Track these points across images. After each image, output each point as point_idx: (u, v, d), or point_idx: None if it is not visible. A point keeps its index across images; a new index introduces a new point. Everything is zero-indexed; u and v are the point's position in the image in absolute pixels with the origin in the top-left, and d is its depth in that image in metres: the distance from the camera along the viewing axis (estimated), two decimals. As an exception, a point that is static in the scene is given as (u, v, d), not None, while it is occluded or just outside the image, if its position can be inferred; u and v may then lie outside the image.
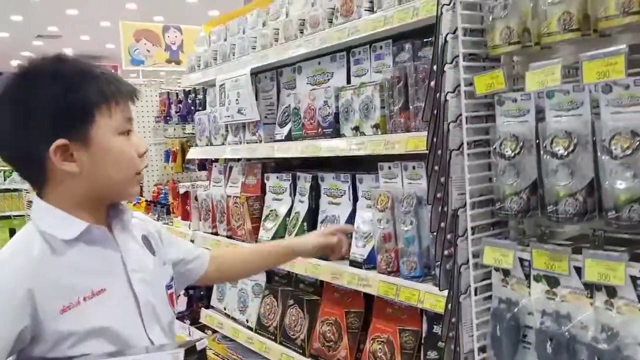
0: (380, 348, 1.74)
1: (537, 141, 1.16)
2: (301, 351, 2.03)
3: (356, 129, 1.73)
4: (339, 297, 1.96)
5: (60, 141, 1.04)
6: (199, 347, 1.04)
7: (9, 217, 8.53)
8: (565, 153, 1.08)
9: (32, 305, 1.00)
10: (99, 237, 1.10)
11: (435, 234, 1.27)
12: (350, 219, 1.89)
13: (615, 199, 1.00)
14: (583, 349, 1.04)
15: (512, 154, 1.17)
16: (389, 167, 1.68)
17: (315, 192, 2.05)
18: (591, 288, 1.05)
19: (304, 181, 2.08)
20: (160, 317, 1.19)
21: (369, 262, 1.73)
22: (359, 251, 1.78)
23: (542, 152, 1.13)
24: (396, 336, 1.69)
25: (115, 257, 1.13)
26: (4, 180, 8.74)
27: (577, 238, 1.19)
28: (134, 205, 3.51)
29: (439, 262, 1.27)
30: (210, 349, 2.58)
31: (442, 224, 1.25)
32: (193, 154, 2.73)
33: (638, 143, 0.99)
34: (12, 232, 8.50)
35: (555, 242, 1.14)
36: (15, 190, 8.24)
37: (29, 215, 6.11)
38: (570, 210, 1.07)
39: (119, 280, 1.13)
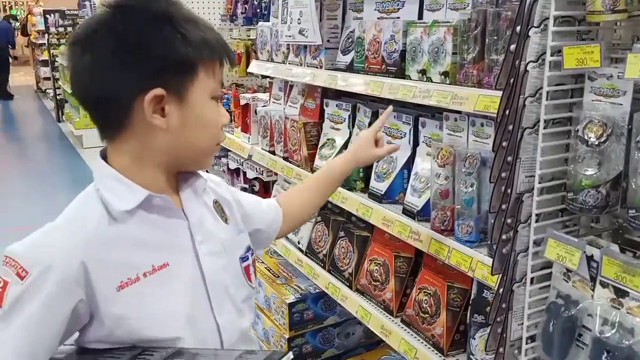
0: (426, 300, 1.71)
1: (630, 128, 1.00)
2: (348, 284, 2.03)
3: (423, 72, 1.56)
4: (389, 238, 1.91)
5: (158, 90, 0.95)
6: None
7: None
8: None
9: (87, 279, 0.94)
10: (161, 206, 1.02)
11: (495, 215, 1.16)
12: (408, 163, 1.79)
13: None
14: (642, 368, 0.95)
15: (597, 141, 1.02)
16: (455, 119, 1.53)
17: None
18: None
19: (364, 115, 1.96)
20: (233, 294, 1.11)
21: (423, 214, 1.65)
22: (413, 200, 1.70)
23: (632, 145, 0.97)
24: (444, 292, 1.65)
25: (181, 226, 1.05)
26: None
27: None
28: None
29: (495, 245, 1.17)
30: (262, 262, 2.66)
31: (504, 206, 1.13)
32: (253, 67, 2.62)
33: None
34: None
35: (631, 249, 1.01)
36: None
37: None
38: (657, 218, 0.94)
39: (185, 254, 1.04)
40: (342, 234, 2.14)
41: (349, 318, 2.39)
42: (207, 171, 1.24)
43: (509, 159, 1.10)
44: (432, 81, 1.54)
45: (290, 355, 0.95)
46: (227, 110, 3.13)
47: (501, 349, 1.18)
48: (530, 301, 1.15)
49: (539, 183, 1.10)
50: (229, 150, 3.03)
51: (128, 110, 0.96)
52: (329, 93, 2.24)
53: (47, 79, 11.73)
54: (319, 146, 2.20)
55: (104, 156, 1.03)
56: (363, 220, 2.10)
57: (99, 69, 0.95)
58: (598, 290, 1.04)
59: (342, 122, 2.11)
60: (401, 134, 1.82)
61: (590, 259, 1.05)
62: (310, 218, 1.95)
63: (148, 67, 0.94)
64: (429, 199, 1.61)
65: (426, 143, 1.72)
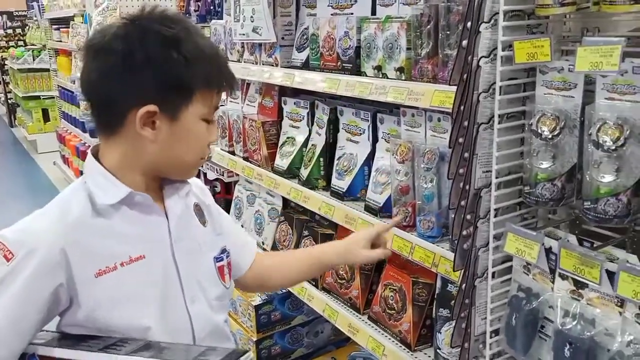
0: (392, 296, 1.71)
1: (582, 120, 1.01)
2: (314, 283, 2.02)
3: (378, 68, 1.55)
4: (354, 236, 1.90)
5: (151, 107, 1.02)
6: None
7: (39, 97, 8.59)
8: (613, 146, 0.92)
9: (67, 264, 1.00)
10: (142, 203, 1.08)
11: (455, 211, 1.15)
12: (369, 160, 1.78)
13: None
14: (605, 358, 0.97)
15: (550, 134, 1.02)
16: (412, 115, 1.52)
17: (333, 125, 1.92)
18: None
19: (322, 113, 1.94)
20: (206, 289, 1.17)
21: (385, 211, 1.64)
22: (375, 197, 1.69)
23: (585, 138, 0.98)
24: (409, 287, 1.65)
25: (160, 224, 1.11)
26: (33, 60, 8.69)
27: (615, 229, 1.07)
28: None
29: (456, 241, 1.17)
30: (228, 265, 2.61)
31: (463, 202, 1.13)
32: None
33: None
34: (45, 113, 8.61)
35: (588, 239, 1.02)
36: (45, 70, 8.18)
37: (58, 97, 6.10)
38: (610, 211, 0.94)
39: (161, 249, 1.11)
40: (306, 232, 2.12)
41: (317, 316, 2.38)
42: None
43: (466, 155, 1.10)
44: (387, 77, 1.52)
45: (250, 354, 0.99)
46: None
47: (466, 344, 1.19)
48: (492, 295, 1.16)
49: (496, 178, 1.10)
50: (188, 152, 2.96)
51: (123, 118, 1.03)
52: (287, 91, 2.21)
53: (-2, 83, 11.32)
54: (279, 145, 2.18)
55: (95, 152, 1.11)
56: (326, 218, 2.08)
57: (104, 76, 1.03)
58: (558, 282, 1.05)
59: (301, 120, 2.08)
60: (360, 130, 1.80)
61: (548, 251, 1.06)
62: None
63: (148, 85, 1.01)
64: (390, 195, 1.61)
65: (385, 139, 1.71)
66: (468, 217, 1.13)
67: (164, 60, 1.01)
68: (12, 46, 9.73)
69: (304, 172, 1.99)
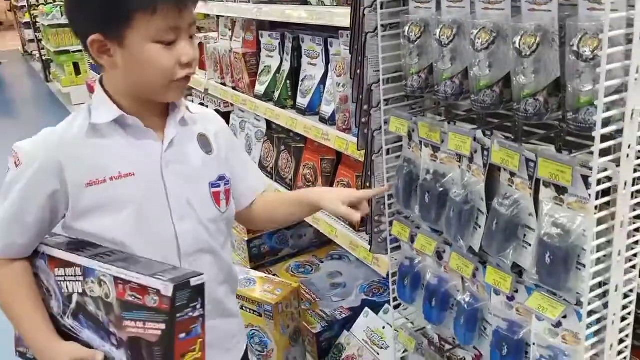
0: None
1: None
2: (289, 188, 2.41)
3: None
4: (317, 146, 2.27)
5: (95, 36, 1.09)
6: (193, 282, 1.04)
7: (69, 51, 9.05)
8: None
9: (61, 172, 1.15)
10: (135, 126, 1.18)
11: (355, 104, 1.51)
12: (324, 79, 2.12)
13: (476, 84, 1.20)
14: (449, 200, 1.32)
15: (416, 38, 1.35)
16: (347, 36, 1.86)
17: (297, 52, 2.26)
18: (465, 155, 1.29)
19: (288, 42, 2.29)
20: (198, 210, 1.24)
21: (332, 119, 2.00)
22: (325, 109, 2.05)
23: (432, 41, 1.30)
24: (354, 181, 2.02)
25: (154, 147, 1.20)
26: (62, 15, 9.11)
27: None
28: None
29: (358, 127, 1.53)
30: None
31: (360, 96, 1.48)
32: (199, 8, 2.92)
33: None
34: (76, 66, 9.09)
35: (434, 115, 1.36)
36: (73, 26, 8.58)
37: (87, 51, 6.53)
38: (449, 91, 1.28)
39: (152, 169, 1.19)
40: (282, 147, 2.50)
41: (300, 222, 2.78)
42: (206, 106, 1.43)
43: (360, 58, 1.44)
44: (324, 5, 1.85)
45: (204, 277, 1.06)
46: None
47: (372, 205, 1.56)
48: (387, 167, 1.51)
49: (384, 75, 1.43)
50: (192, 88, 3.35)
51: (86, 47, 1.13)
52: (264, 25, 2.55)
53: (32, 41, 11.85)
54: (258, 73, 2.54)
55: (101, 80, 1.21)
56: (299, 134, 2.46)
57: (67, 10, 1.17)
58: (423, 150, 1.40)
59: (274, 50, 2.43)
60: (316, 54, 2.14)
61: (412, 131, 1.40)
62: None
63: (89, 14, 1.10)
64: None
65: (334, 60, 2.05)
66: (365, 107, 1.48)
67: None
68: (42, 4, 10.15)
69: (276, 95, 2.35)
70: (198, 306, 1.06)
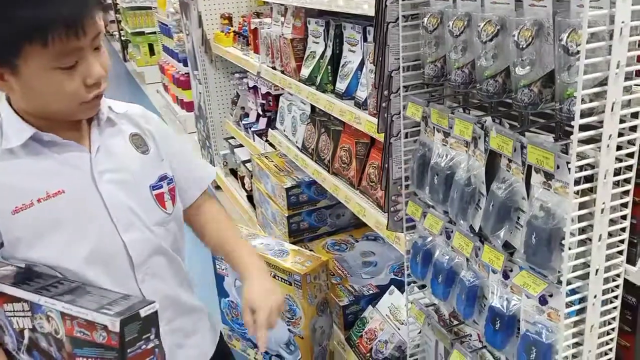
0: (373, 172, 2.20)
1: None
2: (327, 169, 2.54)
3: (356, -12, 1.99)
4: (354, 130, 2.38)
5: None
6: (143, 313, 0.97)
7: (143, 33, 9.53)
8: (459, 33, 1.33)
9: None
10: (54, 141, 1.09)
11: (377, 89, 1.61)
12: (361, 66, 2.23)
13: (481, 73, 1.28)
14: (454, 183, 1.40)
15: (433, 29, 1.44)
16: (380, 25, 1.95)
17: (339, 39, 2.37)
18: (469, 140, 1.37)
19: (332, 29, 2.40)
20: (141, 216, 1.17)
21: (366, 104, 2.10)
22: (361, 94, 2.15)
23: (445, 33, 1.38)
24: (382, 164, 2.12)
25: (81, 158, 1.12)
26: (137, -2, 9.59)
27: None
28: (226, 34, 3.96)
29: (378, 111, 1.63)
30: (272, 160, 3.20)
31: (381, 82, 1.58)
32: (256, -6, 3.08)
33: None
34: (151, 47, 9.57)
35: (451, 102, 1.45)
36: (148, 7, 9.05)
37: (159, 32, 7.03)
38: (459, 80, 1.36)
39: (83, 182, 1.11)
40: (323, 130, 2.63)
41: (339, 202, 2.91)
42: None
43: (382, 46, 1.54)
44: (360, -5, 1.96)
45: (156, 305, 1.00)
46: (243, 36, 3.61)
47: (388, 186, 1.66)
48: (404, 150, 1.61)
49: (404, 63, 1.53)
50: (247, 71, 3.53)
51: None
52: (313, 12, 2.67)
53: (112, 21, 12.52)
54: (304, 58, 2.67)
55: (8, 98, 1.11)
56: (338, 118, 2.58)
57: None
58: (436, 135, 1.49)
59: (319, 36, 2.55)
60: (355, 41, 2.25)
61: (426, 116, 1.49)
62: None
63: None
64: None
65: (369, 48, 2.15)
66: (385, 92, 1.58)
67: None
68: (122, -14, 10.68)
69: (318, 79, 2.47)
70: (152, 337, 1.00)
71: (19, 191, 1.07)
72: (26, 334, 1.09)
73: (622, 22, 0.96)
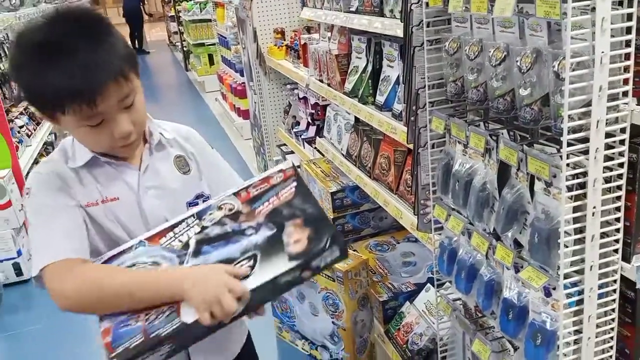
0: (409, 178, 2.38)
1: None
2: (369, 175, 2.74)
3: (391, 11, 2.18)
4: (393, 139, 2.57)
5: (33, 107, 1.25)
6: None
7: (204, 44, 10.01)
8: (474, 57, 1.51)
9: (70, 192, 1.28)
10: (109, 162, 1.32)
11: (406, 105, 1.80)
12: (399, 80, 2.42)
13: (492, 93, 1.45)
14: (471, 188, 1.58)
15: (453, 52, 1.62)
16: (413, 44, 2.14)
17: (379, 55, 2.58)
18: (484, 150, 1.55)
19: (372, 46, 2.61)
20: None
21: (402, 116, 2.30)
22: (398, 106, 2.35)
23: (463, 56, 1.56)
24: (418, 170, 2.31)
25: (132, 175, 1.34)
26: (200, 11, 10.09)
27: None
28: (279, 48, 4.23)
29: (407, 124, 1.82)
30: (319, 166, 3.43)
31: (410, 98, 1.78)
32: (305, 13, 3.32)
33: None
34: (210, 57, 10.03)
35: (474, 116, 1.63)
36: (209, 20, 9.51)
37: (218, 43, 7.48)
38: (475, 98, 1.54)
39: (131, 193, 1.33)
40: (365, 138, 2.83)
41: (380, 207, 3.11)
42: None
43: (409, 67, 1.74)
44: (395, 17, 2.15)
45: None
46: (294, 50, 3.87)
47: (418, 191, 1.85)
48: (431, 159, 1.80)
49: (429, 82, 1.72)
50: (296, 82, 3.79)
51: None
52: (357, 30, 2.88)
53: (176, 33, 13.15)
54: (348, 72, 2.88)
55: None
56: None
57: None
58: (457, 146, 1.67)
59: (362, 52, 2.76)
60: (393, 57, 2.44)
61: (447, 128, 1.67)
62: None
63: (22, 91, 1.22)
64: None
65: (406, 63, 2.34)
66: (413, 108, 1.78)
67: (29, 74, 1.15)
68: (185, 0, 11.25)
69: (360, 92, 2.68)
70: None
71: (88, 192, 1.30)
72: (191, 242, 1.25)
73: (602, 52, 1.12)
